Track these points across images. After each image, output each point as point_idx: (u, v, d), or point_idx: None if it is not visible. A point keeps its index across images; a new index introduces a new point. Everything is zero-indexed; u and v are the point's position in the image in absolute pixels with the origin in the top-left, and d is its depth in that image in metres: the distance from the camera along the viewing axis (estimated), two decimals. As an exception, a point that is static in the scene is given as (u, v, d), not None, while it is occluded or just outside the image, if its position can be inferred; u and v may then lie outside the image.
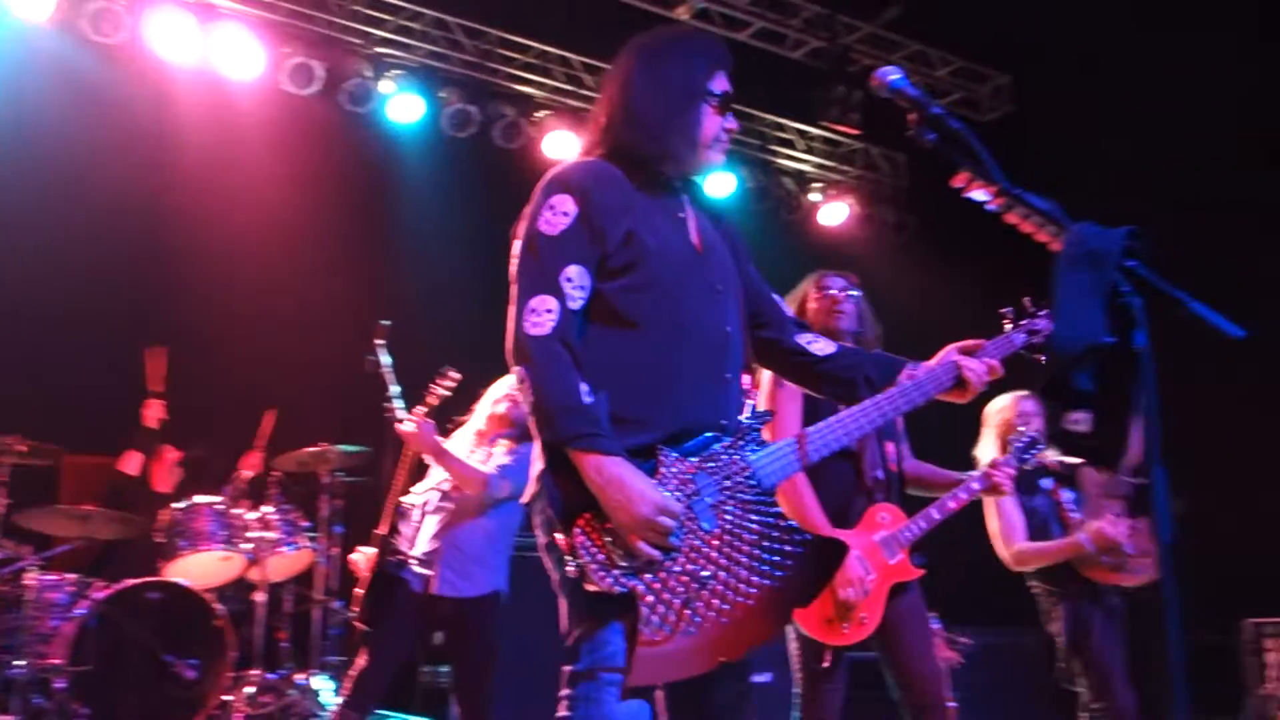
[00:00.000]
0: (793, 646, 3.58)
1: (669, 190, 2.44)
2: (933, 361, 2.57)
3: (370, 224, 7.51)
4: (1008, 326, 2.66)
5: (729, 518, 2.22)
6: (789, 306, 3.79)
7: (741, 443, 2.31)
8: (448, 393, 4.53)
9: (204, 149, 7.02)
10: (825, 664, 3.47)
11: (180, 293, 6.89)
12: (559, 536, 2.13)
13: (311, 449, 6.00)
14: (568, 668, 2.19)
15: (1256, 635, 6.49)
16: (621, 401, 2.21)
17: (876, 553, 3.51)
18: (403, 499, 4.59)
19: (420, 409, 4.48)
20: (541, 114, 7.95)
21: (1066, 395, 1.83)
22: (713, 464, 2.25)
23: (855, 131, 8.42)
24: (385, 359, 5.85)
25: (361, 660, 4.30)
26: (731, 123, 2.48)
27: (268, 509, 5.85)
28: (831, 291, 3.82)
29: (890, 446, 3.72)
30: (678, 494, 2.17)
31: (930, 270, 7.97)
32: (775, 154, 8.95)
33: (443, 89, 7.71)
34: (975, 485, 3.73)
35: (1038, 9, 7.45)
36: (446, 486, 4.51)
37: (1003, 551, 4.28)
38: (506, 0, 7.69)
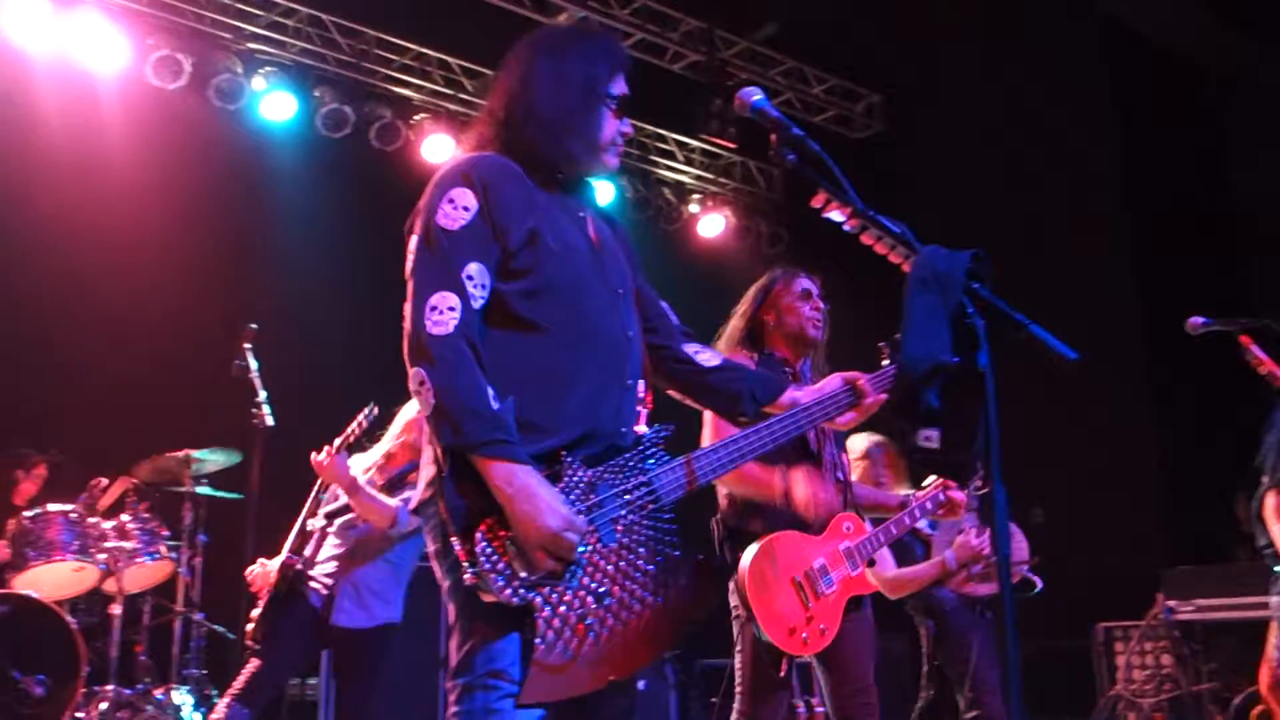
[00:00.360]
0: (737, 659, 3.52)
1: (567, 190, 2.38)
2: (817, 386, 2.59)
3: (239, 224, 7.29)
4: (885, 361, 2.68)
5: (627, 533, 2.17)
6: (745, 302, 3.77)
7: (643, 455, 2.25)
8: (362, 428, 4.44)
9: (62, 142, 6.70)
10: (782, 672, 3.41)
11: (38, 292, 6.57)
12: (456, 543, 2.04)
13: (174, 455, 5.80)
14: (457, 680, 2.10)
15: (1107, 639, 6.79)
16: (521, 406, 2.13)
17: (840, 562, 3.49)
18: (310, 521, 4.55)
19: (336, 442, 4.38)
20: (419, 117, 7.85)
21: (915, 413, 1.89)
22: (613, 476, 2.20)
23: (732, 145, 8.54)
24: (253, 363, 5.72)
25: (253, 664, 4.22)
26: (627, 127, 2.43)
27: (126, 517, 5.62)
28: (806, 287, 3.75)
29: (844, 456, 3.74)
30: (580, 505, 2.12)
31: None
32: (655, 164, 9.02)
33: (317, 88, 7.55)
34: (929, 505, 3.80)
35: (910, 31, 7.69)
36: (352, 514, 4.45)
37: (874, 582, 4.39)
38: (385, 0, 7.58)
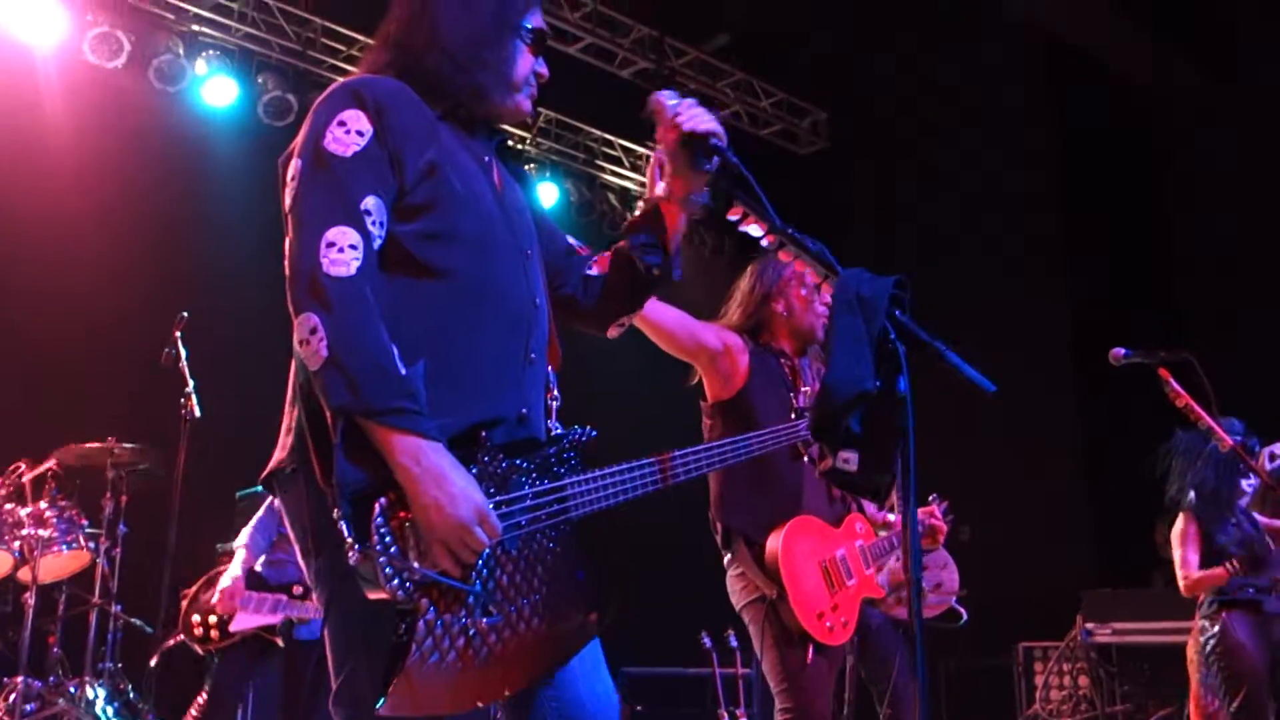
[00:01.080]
0: (765, 658, 3.38)
1: (473, 131, 2.11)
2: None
3: (175, 209, 7.14)
4: None
5: (527, 544, 1.90)
6: (748, 287, 3.66)
7: (560, 457, 1.99)
8: None
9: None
10: (809, 660, 3.30)
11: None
12: (343, 519, 1.71)
13: (97, 444, 5.66)
14: (343, 713, 1.84)
15: (1027, 659, 6.90)
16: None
17: (858, 558, 3.50)
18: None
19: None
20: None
21: (835, 436, 1.88)
22: (527, 475, 1.92)
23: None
24: (183, 352, 5.62)
25: (204, 695, 4.27)
26: (542, 67, 2.17)
27: (44, 505, 5.48)
28: (815, 285, 3.62)
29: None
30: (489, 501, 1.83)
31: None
32: (601, 169, 9.01)
33: (260, 74, 7.43)
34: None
35: (859, 48, 7.78)
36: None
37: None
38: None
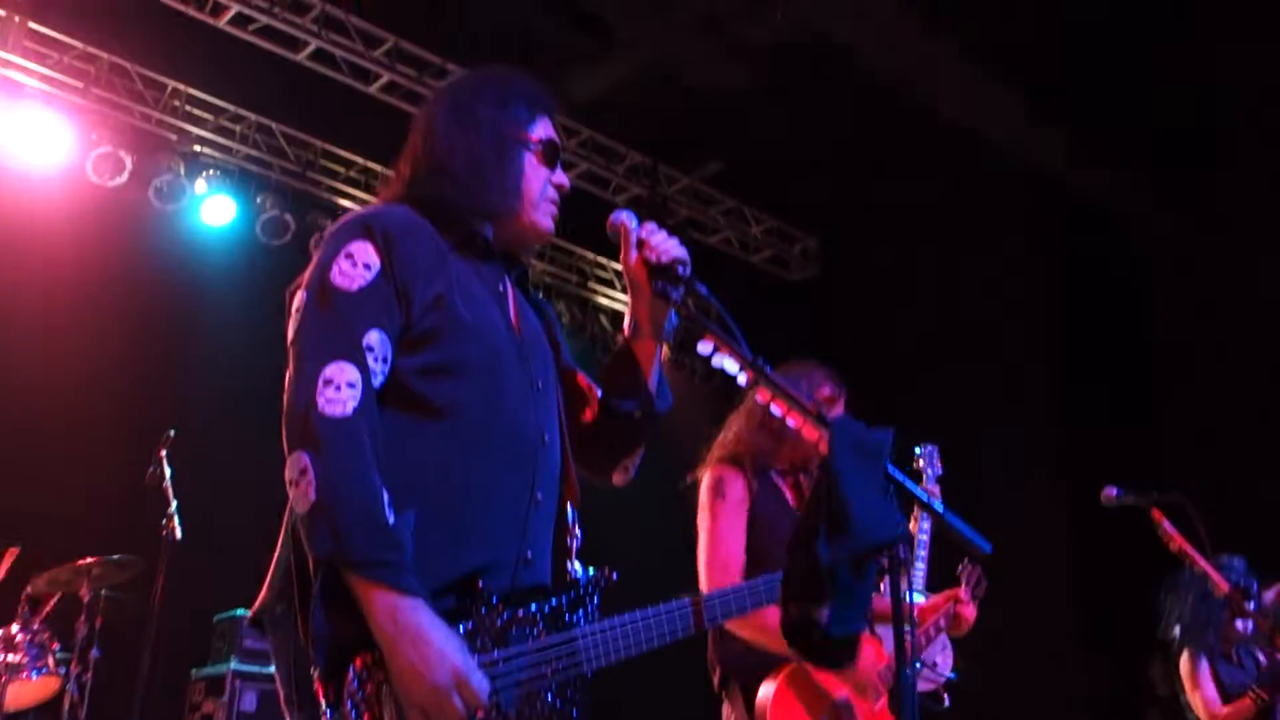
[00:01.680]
0: None
1: (488, 257, 2.03)
2: None
3: (168, 326, 7.14)
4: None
5: (530, 704, 1.75)
6: (739, 417, 3.47)
7: (574, 604, 1.86)
8: None
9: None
10: None
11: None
12: (319, 679, 1.67)
13: (72, 565, 5.54)
14: None
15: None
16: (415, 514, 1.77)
17: (862, 696, 3.27)
18: None
19: None
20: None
21: (827, 588, 1.78)
22: (531, 625, 1.80)
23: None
24: (168, 471, 5.54)
25: None
26: (561, 177, 2.11)
27: (15, 628, 5.34)
28: (833, 393, 3.52)
29: None
30: (485, 656, 1.73)
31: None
32: (594, 291, 9.08)
33: (260, 194, 7.52)
34: (942, 622, 3.61)
35: (850, 178, 7.93)
36: None
37: None
38: (333, 112, 7.62)
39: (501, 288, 2.04)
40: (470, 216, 2.01)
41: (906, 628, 1.65)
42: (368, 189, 7.97)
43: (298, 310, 1.87)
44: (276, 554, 1.91)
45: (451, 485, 1.82)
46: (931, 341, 7.94)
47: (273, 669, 6.12)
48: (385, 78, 7.17)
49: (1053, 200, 7.77)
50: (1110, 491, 4.22)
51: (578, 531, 2.01)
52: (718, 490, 3.41)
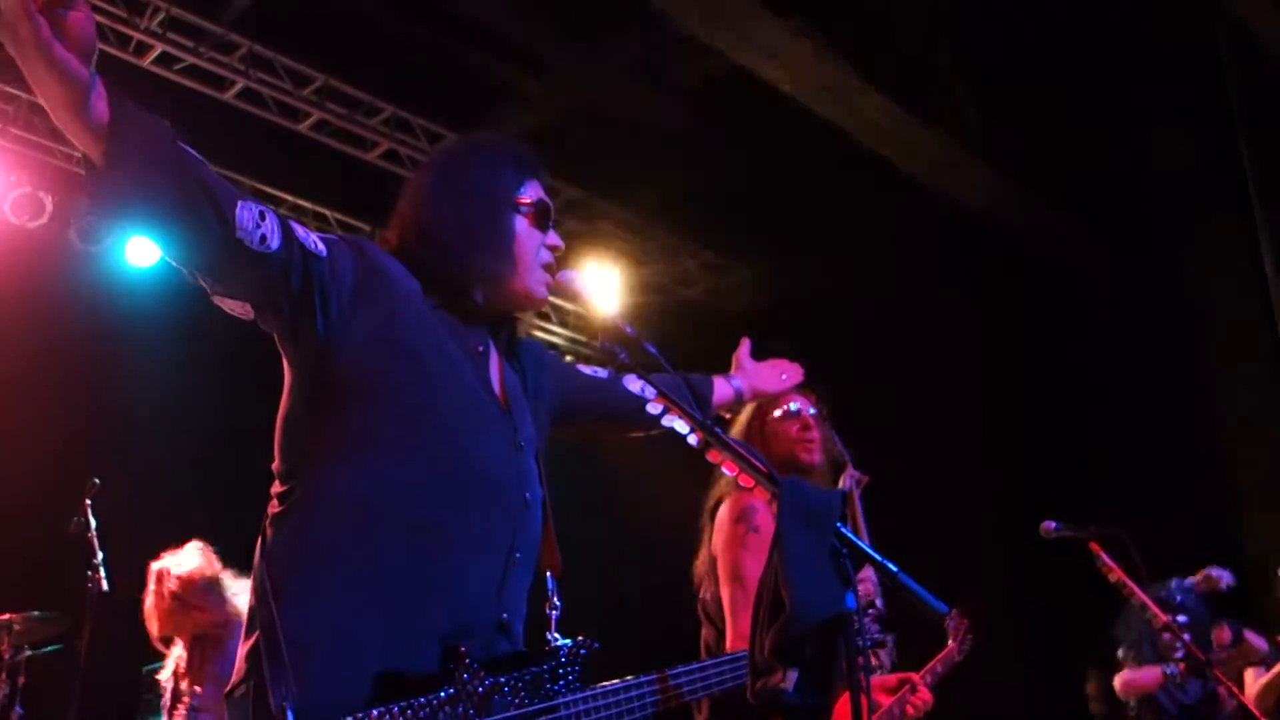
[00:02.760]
0: None
1: (472, 321, 2.02)
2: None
3: (92, 371, 6.96)
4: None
5: None
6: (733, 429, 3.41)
7: (554, 673, 1.83)
8: None
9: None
10: None
11: None
12: None
13: (-7, 621, 5.35)
14: None
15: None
16: (380, 568, 1.73)
17: None
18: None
19: None
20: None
21: (795, 659, 1.77)
22: (513, 694, 1.76)
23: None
24: (93, 521, 5.38)
25: None
26: (554, 239, 2.10)
27: (-69, 690, 5.13)
28: (794, 408, 3.41)
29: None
30: None
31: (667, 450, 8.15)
32: (531, 325, 9.03)
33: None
34: (940, 669, 3.43)
35: (781, 206, 8.00)
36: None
37: None
38: (262, 152, 7.51)
39: (481, 348, 2.03)
40: (461, 284, 2.00)
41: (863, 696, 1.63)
42: (298, 227, 7.83)
43: None
44: (242, 633, 1.80)
45: (431, 537, 1.79)
46: (868, 374, 8.00)
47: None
48: (315, 116, 7.08)
49: (982, 238, 7.91)
50: (1049, 525, 4.28)
51: (557, 602, 1.99)
52: (748, 522, 3.23)
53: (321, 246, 1.86)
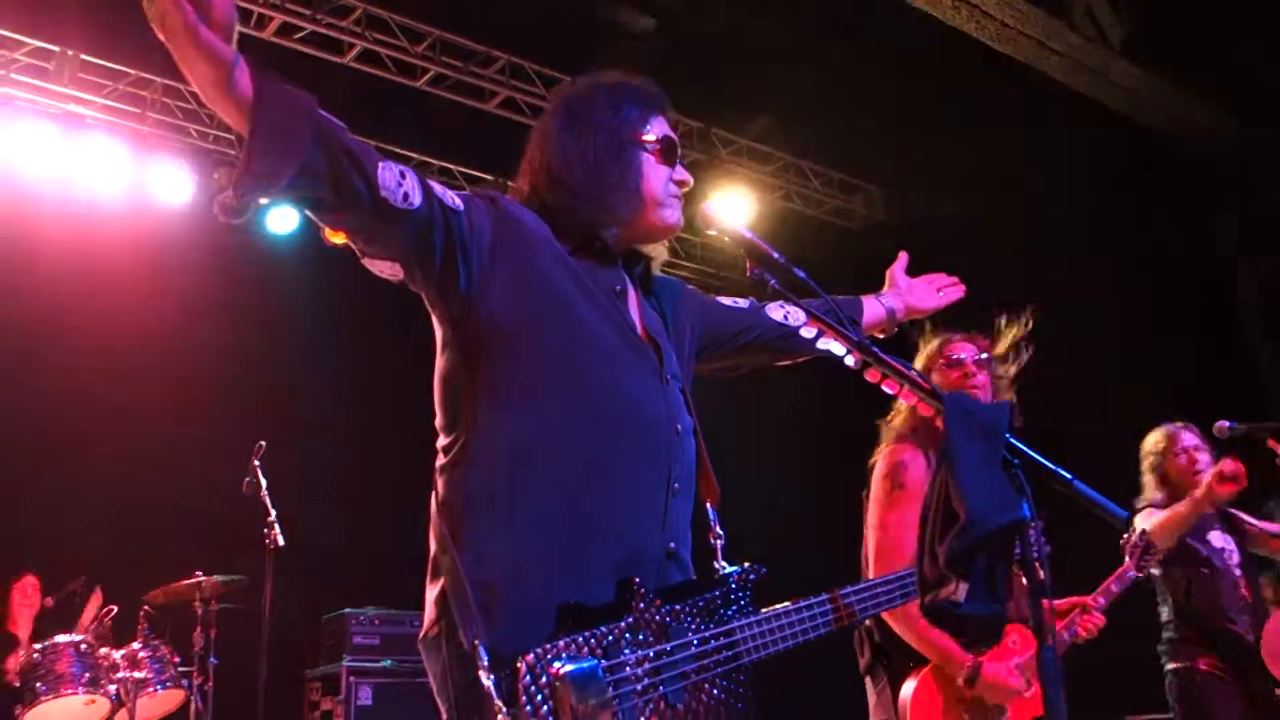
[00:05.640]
0: None
1: (604, 260, 2.05)
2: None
3: (246, 338, 7.29)
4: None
5: (694, 695, 1.76)
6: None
7: (727, 599, 1.86)
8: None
9: (69, 264, 6.72)
10: None
11: (49, 417, 6.54)
12: (486, 678, 1.62)
13: (185, 581, 5.70)
14: None
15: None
16: (541, 503, 1.78)
17: (1013, 679, 3.16)
18: None
19: None
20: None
21: (968, 570, 1.77)
22: (690, 618, 1.81)
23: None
24: (263, 481, 5.66)
25: None
26: (682, 174, 2.11)
27: (136, 645, 5.52)
28: (959, 357, 3.43)
29: None
30: (647, 650, 1.73)
31: (808, 370, 8.09)
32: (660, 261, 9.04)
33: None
34: (1115, 588, 3.48)
35: (904, 118, 7.78)
36: None
37: None
38: (386, 113, 7.66)
39: (619, 287, 2.05)
40: (593, 225, 2.03)
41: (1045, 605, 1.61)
42: (425, 183, 7.99)
43: None
44: (428, 577, 1.88)
45: (588, 476, 1.84)
46: (1003, 279, 7.77)
47: (387, 663, 6.27)
48: (432, 70, 7.18)
49: (1124, 139, 7.53)
50: (1223, 425, 4.16)
51: (720, 530, 2.00)
52: (895, 478, 3.29)
53: (458, 201, 1.90)
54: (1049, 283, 7.49)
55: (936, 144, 7.83)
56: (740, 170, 8.45)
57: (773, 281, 2.00)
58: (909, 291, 2.79)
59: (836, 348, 1.92)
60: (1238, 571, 4.38)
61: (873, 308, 2.67)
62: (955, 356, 3.43)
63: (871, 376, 1.90)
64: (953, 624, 1.79)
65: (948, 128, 7.64)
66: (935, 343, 3.51)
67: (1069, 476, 1.72)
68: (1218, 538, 4.46)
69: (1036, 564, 1.64)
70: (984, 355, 3.43)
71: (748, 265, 2.02)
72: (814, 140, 8.62)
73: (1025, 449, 1.77)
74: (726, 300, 2.41)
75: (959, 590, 1.75)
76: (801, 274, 1.96)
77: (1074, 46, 6.96)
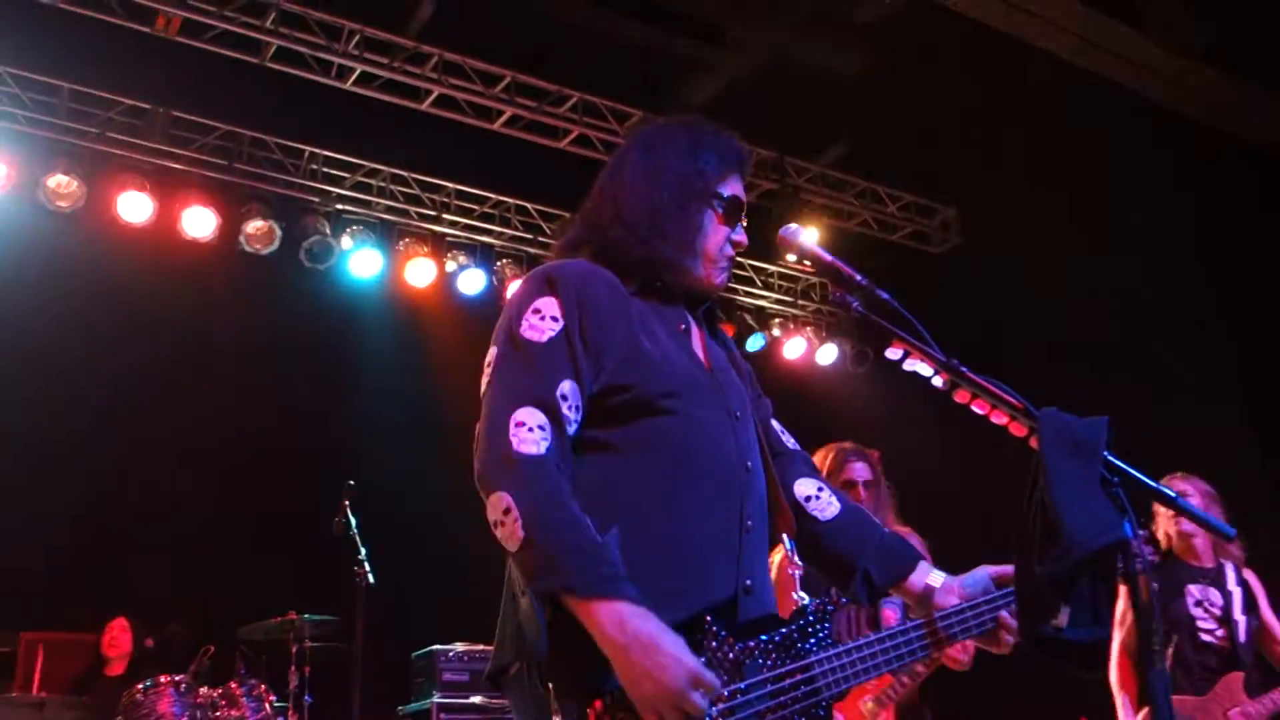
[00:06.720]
0: None
1: (668, 299, 2.03)
2: (962, 579, 2.05)
3: (330, 382, 7.44)
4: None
5: None
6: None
7: (803, 633, 1.84)
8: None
9: (161, 312, 6.96)
10: None
11: (142, 462, 6.75)
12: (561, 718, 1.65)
13: (278, 620, 5.81)
14: None
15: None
16: (622, 554, 1.73)
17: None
18: None
19: None
20: (502, 262, 8.02)
21: (1068, 594, 1.72)
22: (764, 656, 1.78)
23: (811, 268, 8.53)
24: (353, 520, 5.76)
25: None
26: (740, 235, 2.07)
27: (233, 684, 5.62)
28: (849, 478, 3.57)
29: None
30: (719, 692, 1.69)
31: (891, 399, 7.99)
32: (734, 291, 9.04)
33: (401, 241, 7.74)
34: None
35: (979, 141, 7.69)
36: None
37: None
38: (460, 154, 7.79)
39: (683, 326, 2.04)
40: (649, 269, 2.00)
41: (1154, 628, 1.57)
42: (504, 223, 8.12)
43: (489, 365, 1.91)
44: (501, 613, 1.89)
45: (660, 521, 1.83)
46: (1084, 299, 7.62)
47: (476, 700, 6.30)
48: (508, 112, 7.30)
49: (1211, 148, 7.35)
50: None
51: (799, 561, 2.00)
52: None
53: (564, 379, 1.86)
54: (1142, 300, 7.34)
55: (1017, 162, 7.72)
56: (815, 198, 8.43)
57: (855, 304, 2.00)
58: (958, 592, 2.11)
59: (923, 368, 1.92)
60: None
61: (920, 572, 2.10)
62: (846, 476, 3.58)
63: (960, 397, 1.88)
64: (1055, 650, 1.75)
65: (1026, 144, 7.54)
66: (832, 453, 3.68)
67: (1173, 495, 1.68)
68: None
69: (1142, 581, 1.59)
70: (869, 479, 3.57)
71: (830, 288, 2.02)
72: (890, 165, 8.57)
73: (1126, 467, 1.73)
74: (778, 425, 2.27)
75: (1062, 615, 1.71)
76: (884, 295, 1.95)
77: (1153, 56, 6.84)
